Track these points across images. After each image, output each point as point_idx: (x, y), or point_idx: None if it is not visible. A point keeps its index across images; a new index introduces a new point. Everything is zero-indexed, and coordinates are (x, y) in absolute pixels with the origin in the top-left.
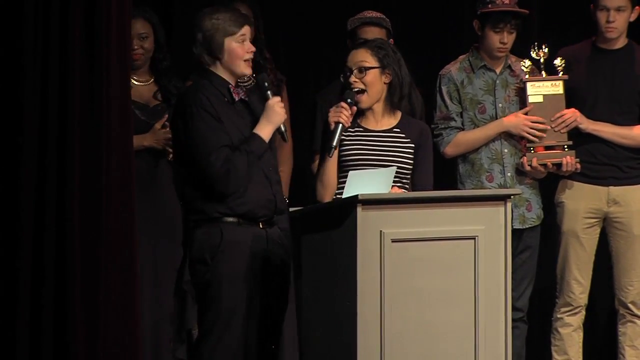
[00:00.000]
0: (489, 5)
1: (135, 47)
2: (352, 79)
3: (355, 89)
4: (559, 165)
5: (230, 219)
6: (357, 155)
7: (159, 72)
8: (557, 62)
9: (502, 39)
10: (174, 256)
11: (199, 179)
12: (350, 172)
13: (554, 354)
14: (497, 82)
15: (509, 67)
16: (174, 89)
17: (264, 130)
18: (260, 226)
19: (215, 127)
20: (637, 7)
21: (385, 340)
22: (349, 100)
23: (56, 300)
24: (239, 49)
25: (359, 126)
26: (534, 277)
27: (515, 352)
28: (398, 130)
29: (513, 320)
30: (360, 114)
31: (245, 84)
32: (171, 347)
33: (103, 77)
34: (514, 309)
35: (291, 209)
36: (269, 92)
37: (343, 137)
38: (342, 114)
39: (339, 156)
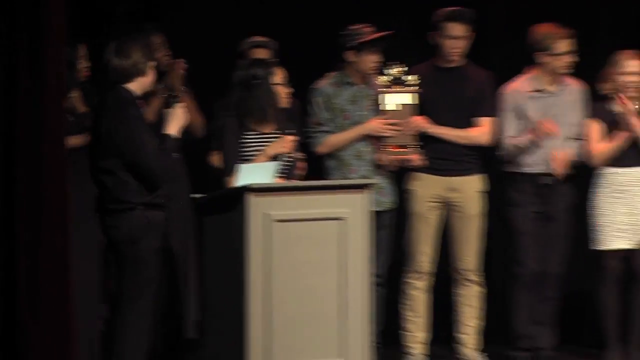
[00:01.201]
0: (361, 37)
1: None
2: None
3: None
4: (407, 161)
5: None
6: (256, 154)
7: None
8: (409, 77)
9: (376, 58)
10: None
11: (133, 174)
12: (241, 165)
13: (405, 312)
14: (359, 94)
15: (368, 82)
16: (94, 95)
17: (173, 130)
18: (162, 210)
19: (150, 131)
20: (473, 32)
21: (273, 302)
22: None
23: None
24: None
25: (258, 131)
26: (391, 250)
27: (376, 311)
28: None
29: (374, 284)
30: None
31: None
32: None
33: (44, 88)
34: (374, 275)
35: (195, 195)
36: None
37: (245, 140)
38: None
39: (242, 153)
